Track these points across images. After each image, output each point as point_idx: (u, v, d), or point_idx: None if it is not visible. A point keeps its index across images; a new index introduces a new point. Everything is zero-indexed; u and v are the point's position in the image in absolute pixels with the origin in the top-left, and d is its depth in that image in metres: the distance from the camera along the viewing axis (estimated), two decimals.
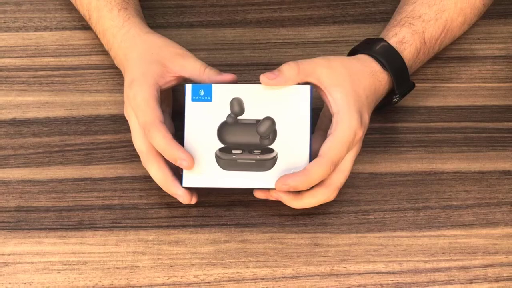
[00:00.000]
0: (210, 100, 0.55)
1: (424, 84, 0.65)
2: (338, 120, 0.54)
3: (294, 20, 0.70)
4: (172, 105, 0.61)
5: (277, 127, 0.54)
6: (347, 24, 0.69)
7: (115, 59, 0.62)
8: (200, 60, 0.57)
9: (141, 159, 0.56)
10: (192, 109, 0.55)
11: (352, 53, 0.60)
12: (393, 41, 0.60)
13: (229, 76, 0.56)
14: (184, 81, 0.58)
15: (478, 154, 0.61)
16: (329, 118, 0.55)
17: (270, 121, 0.54)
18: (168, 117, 0.59)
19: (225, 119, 0.54)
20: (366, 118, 0.55)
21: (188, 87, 0.55)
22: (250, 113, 0.54)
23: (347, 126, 0.53)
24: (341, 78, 0.55)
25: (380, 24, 0.68)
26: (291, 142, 0.53)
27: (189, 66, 0.56)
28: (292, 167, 0.53)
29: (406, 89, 0.60)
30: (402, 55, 0.59)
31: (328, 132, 0.54)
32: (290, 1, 0.71)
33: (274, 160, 0.53)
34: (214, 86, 0.55)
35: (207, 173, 0.54)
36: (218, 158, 0.54)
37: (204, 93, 0.55)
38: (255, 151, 0.54)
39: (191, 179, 0.54)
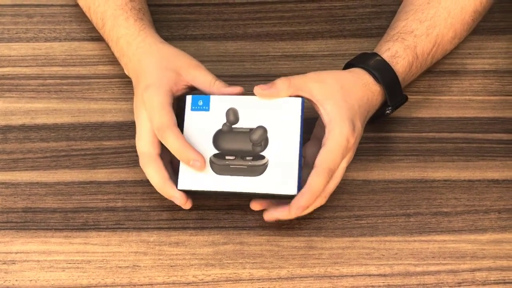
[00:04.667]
0: (208, 110, 0.58)
1: (417, 96, 0.66)
2: (330, 129, 0.56)
3: (293, 34, 0.72)
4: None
5: (269, 135, 0.56)
6: (344, 38, 0.71)
7: (127, 66, 0.64)
8: (210, 72, 0.59)
9: (140, 161, 0.58)
10: (191, 118, 0.58)
11: (347, 66, 0.63)
12: (386, 55, 0.62)
13: (236, 89, 0.58)
14: (194, 90, 0.60)
15: (468, 163, 0.62)
16: (323, 127, 0.57)
17: (262, 129, 0.56)
18: None
19: (221, 127, 0.57)
20: (359, 126, 0.58)
21: (189, 98, 0.58)
22: (244, 122, 0.57)
23: (339, 133, 0.55)
24: (332, 91, 0.57)
25: (375, 38, 0.70)
26: (282, 150, 0.56)
27: (201, 77, 0.59)
28: (282, 173, 0.55)
29: (398, 101, 0.62)
30: (394, 69, 0.61)
31: (322, 143, 0.56)
32: (289, 16, 0.73)
33: (264, 166, 0.55)
34: (212, 97, 0.58)
35: (201, 177, 0.56)
36: (212, 163, 0.56)
37: (203, 103, 0.58)
38: (247, 158, 0.56)
39: (186, 182, 0.56)
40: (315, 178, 0.54)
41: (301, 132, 0.56)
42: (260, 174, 0.55)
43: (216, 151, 0.57)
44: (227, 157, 0.56)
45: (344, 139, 0.56)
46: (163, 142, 0.56)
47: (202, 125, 0.57)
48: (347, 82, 0.58)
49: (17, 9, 0.74)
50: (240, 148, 0.56)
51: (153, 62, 0.60)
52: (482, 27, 0.70)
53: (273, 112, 0.56)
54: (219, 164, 0.56)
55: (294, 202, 0.54)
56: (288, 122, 0.56)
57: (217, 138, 0.57)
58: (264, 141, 0.56)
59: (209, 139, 0.57)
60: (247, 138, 0.56)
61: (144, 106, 0.58)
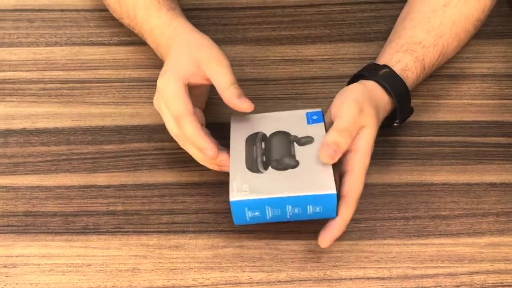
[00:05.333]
0: (322, 121, 0.58)
1: (416, 100, 0.66)
2: (356, 158, 0.55)
3: (292, 38, 0.72)
4: (205, 102, 0.62)
5: (290, 174, 0.54)
6: (342, 43, 0.71)
7: (162, 56, 0.63)
8: (231, 73, 0.57)
9: (179, 143, 0.58)
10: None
11: (356, 76, 0.61)
12: (397, 68, 0.61)
13: (245, 106, 0.56)
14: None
15: (466, 167, 0.62)
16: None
17: (293, 164, 0.55)
18: (198, 111, 0.60)
19: (300, 136, 0.57)
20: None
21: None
22: (302, 152, 0.56)
23: (364, 162, 0.55)
24: (371, 119, 0.56)
25: (374, 43, 0.70)
26: (270, 186, 0.54)
27: (218, 76, 0.57)
28: (250, 189, 0.54)
29: (406, 114, 0.62)
30: (405, 82, 0.60)
31: (345, 169, 0.55)
32: (288, 20, 0.74)
33: (256, 168, 0.55)
34: (321, 126, 0.58)
35: (241, 124, 0.59)
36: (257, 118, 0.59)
37: (317, 118, 0.59)
38: (262, 156, 0.56)
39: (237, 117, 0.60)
40: (346, 210, 0.54)
41: (302, 210, 0.54)
42: (249, 166, 0.55)
43: (279, 131, 0.58)
44: (264, 142, 0.57)
45: (367, 164, 0.55)
46: (180, 130, 0.57)
47: (297, 119, 0.58)
48: (377, 106, 0.58)
49: (19, 14, 0.75)
50: (274, 147, 0.56)
51: (177, 50, 0.59)
52: (481, 31, 0.70)
53: (312, 184, 0.54)
54: (253, 132, 0.58)
55: (326, 234, 0.54)
56: (304, 186, 0.54)
57: (283, 133, 0.57)
58: (281, 166, 0.55)
59: (284, 127, 0.58)
60: (285, 153, 0.56)
61: (160, 95, 0.58)
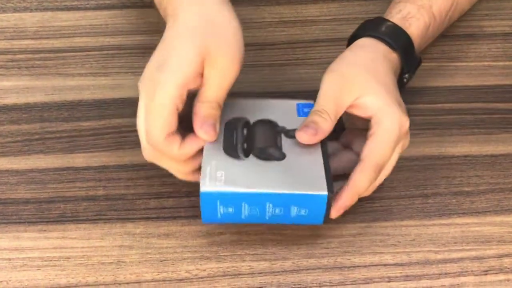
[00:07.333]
0: (302, 116, 0.53)
1: (431, 63, 0.62)
2: (377, 121, 0.49)
3: None
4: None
5: (272, 165, 0.49)
6: (347, 1, 0.68)
7: (165, 10, 0.52)
8: (223, 87, 0.48)
9: (156, 161, 0.51)
10: (289, 106, 0.54)
11: (352, 38, 0.57)
12: (396, 18, 0.57)
13: (201, 133, 0.48)
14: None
15: (490, 136, 0.58)
16: (356, 132, 0.52)
17: (278, 156, 0.49)
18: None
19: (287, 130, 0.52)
20: (403, 103, 0.52)
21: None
22: (292, 145, 0.50)
23: (390, 122, 0.49)
24: (363, 85, 0.50)
25: (382, 0, 0.65)
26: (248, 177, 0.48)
27: (207, 84, 0.48)
28: (225, 178, 0.48)
29: (414, 65, 0.57)
30: (408, 31, 0.56)
31: (368, 135, 0.50)
32: None
33: (235, 153, 0.49)
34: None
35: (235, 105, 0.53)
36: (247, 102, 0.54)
37: (307, 111, 0.52)
38: (244, 143, 0.51)
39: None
40: (360, 175, 0.49)
41: (285, 211, 0.48)
42: (227, 155, 0.49)
43: (265, 119, 0.52)
44: (247, 129, 0.51)
45: (397, 127, 0.50)
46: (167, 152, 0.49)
47: (289, 113, 0.53)
48: (369, 61, 0.52)
49: None
50: (259, 137, 0.51)
51: (185, 29, 0.48)
52: None
53: (300, 181, 0.48)
54: (235, 117, 0.52)
55: (336, 203, 0.49)
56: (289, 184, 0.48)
57: (274, 124, 0.52)
58: (264, 156, 0.50)
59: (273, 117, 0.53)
60: (268, 145, 0.50)
61: (151, 88, 0.48)
